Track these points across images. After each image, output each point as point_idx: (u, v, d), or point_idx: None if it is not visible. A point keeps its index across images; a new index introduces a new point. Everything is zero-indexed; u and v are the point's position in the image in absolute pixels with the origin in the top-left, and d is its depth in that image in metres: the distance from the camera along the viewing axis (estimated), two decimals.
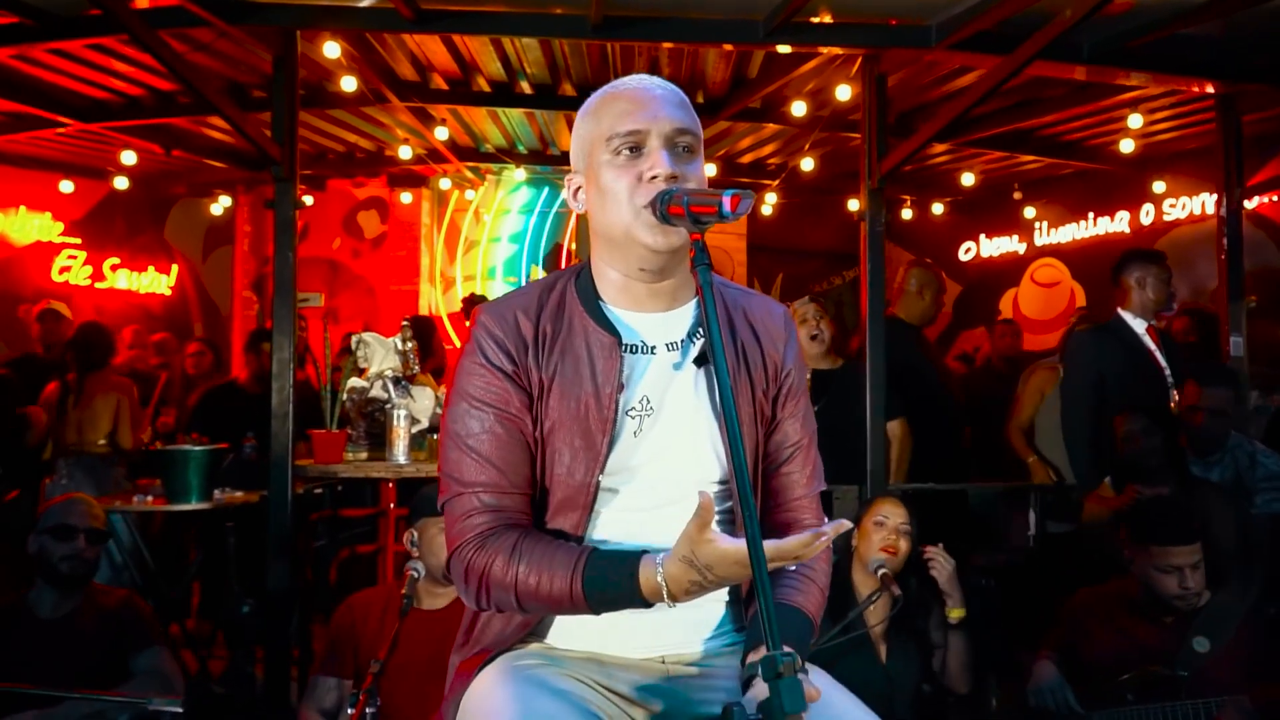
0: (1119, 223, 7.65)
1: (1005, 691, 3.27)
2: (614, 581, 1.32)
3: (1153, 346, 4.18)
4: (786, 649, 1.08)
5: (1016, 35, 3.76)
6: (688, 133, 1.46)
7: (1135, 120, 5.67)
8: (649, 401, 1.48)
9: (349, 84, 5.11)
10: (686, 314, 1.53)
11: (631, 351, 1.50)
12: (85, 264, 8.15)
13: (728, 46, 4.67)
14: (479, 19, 3.99)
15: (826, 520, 1.67)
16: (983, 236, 8.84)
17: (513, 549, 1.38)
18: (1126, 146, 6.20)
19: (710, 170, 7.29)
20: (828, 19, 4.13)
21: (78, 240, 8.08)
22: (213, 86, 5.49)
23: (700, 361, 1.51)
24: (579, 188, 1.54)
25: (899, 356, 4.43)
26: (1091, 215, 7.85)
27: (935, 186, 8.18)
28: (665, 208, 1.38)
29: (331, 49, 4.56)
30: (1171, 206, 7.20)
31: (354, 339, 4.35)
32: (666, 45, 4.78)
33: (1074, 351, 4.30)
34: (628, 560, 1.33)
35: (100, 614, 3.27)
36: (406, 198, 8.42)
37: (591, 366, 1.47)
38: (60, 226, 7.95)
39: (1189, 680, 2.83)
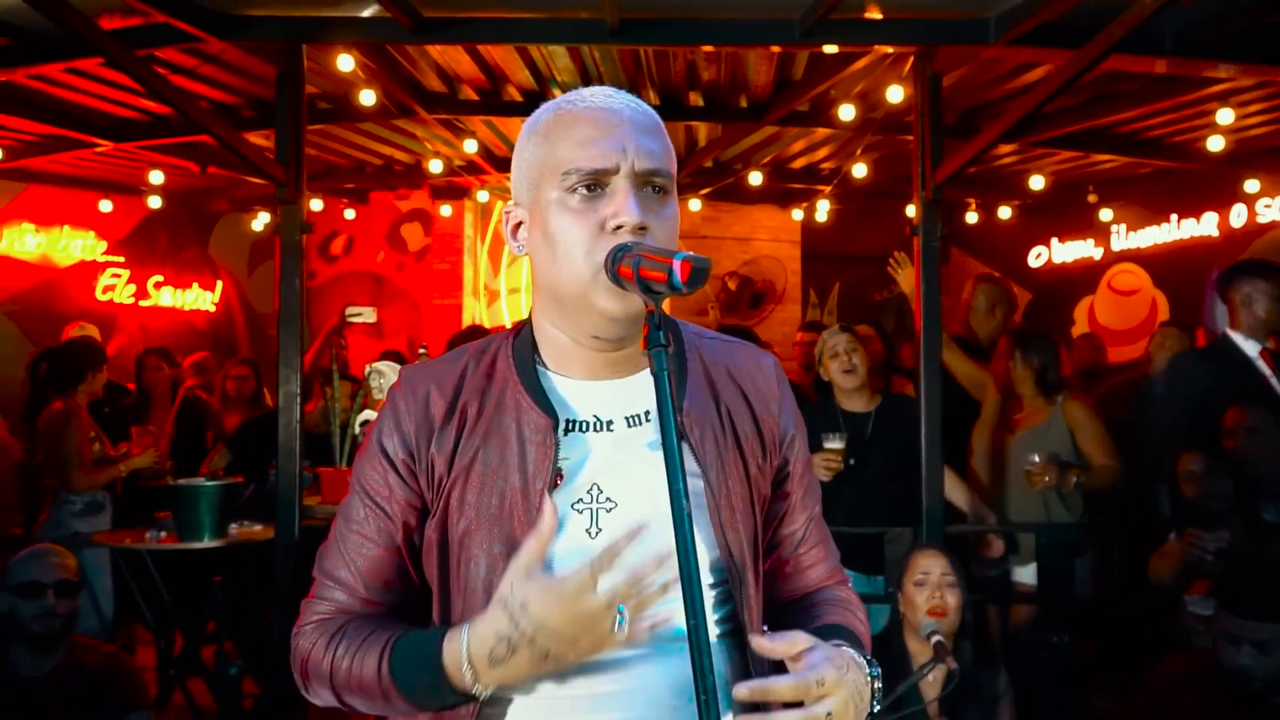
0: (1206, 225, 7.06)
1: None
2: (420, 655, 1.10)
3: (1267, 372, 3.71)
4: None
5: (1085, 26, 3.33)
6: (661, 170, 1.15)
7: (1225, 115, 5.14)
8: (600, 490, 1.17)
9: (369, 98, 4.87)
10: (650, 379, 1.22)
11: (580, 430, 1.19)
12: (129, 282, 8.11)
13: (774, 48, 4.30)
14: (484, 26, 3.67)
15: (850, 580, 1.38)
16: (1055, 241, 8.30)
17: (336, 630, 1.19)
18: (1215, 144, 5.67)
19: (757, 179, 6.92)
20: (876, 15, 3.75)
21: (121, 259, 8.05)
22: (225, 102, 5.36)
23: None
24: (519, 224, 1.23)
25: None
26: (1175, 217, 7.26)
27: (1002, 188, 7.69)
28: (615, 267, 1.08)
29: (345, 62, 4.31)
30: (1267, 207, 6.59)
31: (367, 368, 4.11)
32: (706, 48, 4.43)
33: (1175, 377, 3.84)
34: (434, 641, 1.10)
35: (82, 673, 3.07)
36: (447, 210, 8.21)
37: (521, 454, 1.16)
38: (104, 245, 7.92)
39: None
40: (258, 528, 4.47)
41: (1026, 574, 3.98)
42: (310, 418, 4.54)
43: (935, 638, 2.69)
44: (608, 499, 1.17)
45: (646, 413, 1.21)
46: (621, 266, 1.07)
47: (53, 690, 3.00)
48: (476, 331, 6.10)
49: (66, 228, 7.68)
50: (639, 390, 1.21)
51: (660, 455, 1.16)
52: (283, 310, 3.87)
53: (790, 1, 3.60)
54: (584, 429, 1.19)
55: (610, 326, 1.15)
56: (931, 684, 2.73)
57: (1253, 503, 3.35)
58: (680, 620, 1.04)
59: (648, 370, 1.19)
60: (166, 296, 8.41)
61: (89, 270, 7.85)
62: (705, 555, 1.18)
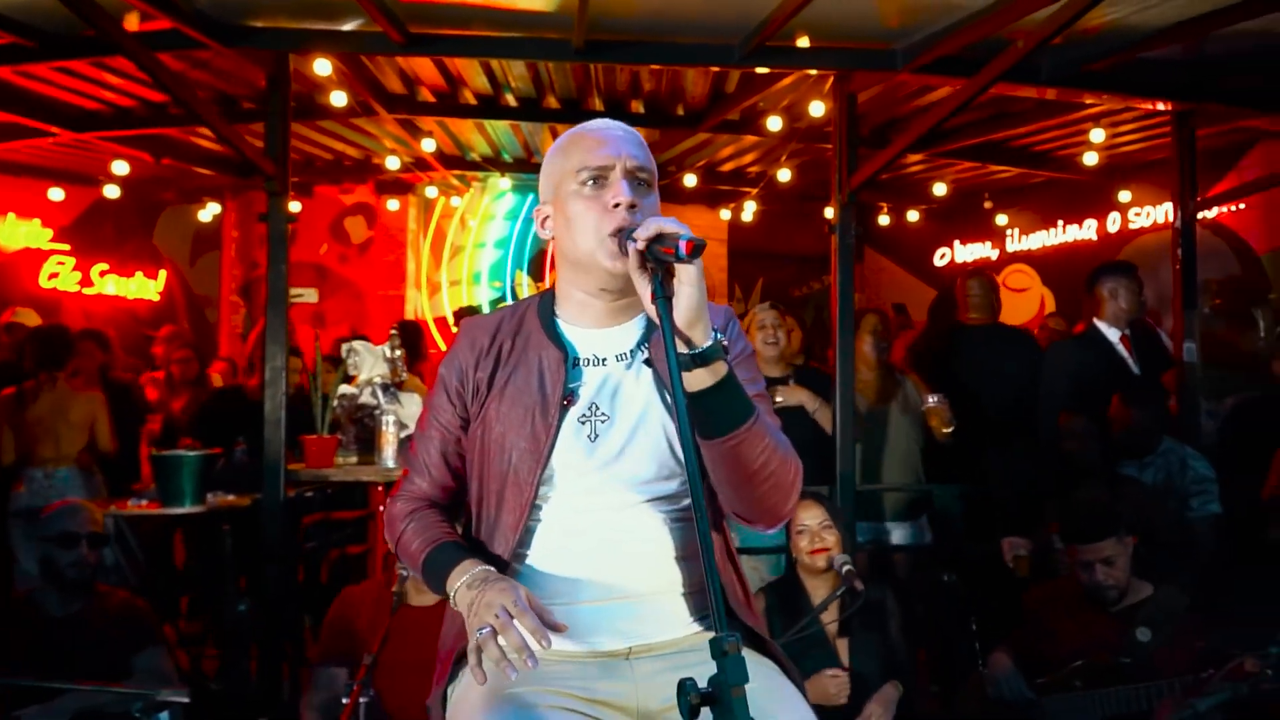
0: (1087, 230, 7.87)
1: (967, 685, 3.45)
2: (437, 565, 1.64)
3: (1126, 355, 4.42)
4: (731, 632, 1.22)
5: (980, 59, 3.94)
6: (645, 169, 1.67)
7: (1097, 134, 5.87)
8: (599, 409, 1.65)
9: (339, 99, 5.25)
10: (635, 327, 1.71)
11: (584, 364, 1.68)
12: (74, 270, 8.25)
13: (715, 69, 4.83)
14: (467, 42, 4.14)
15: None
16: (957, 242, 9.06)
17: (414, 510, 1.75)
18: (1090, 159, 6.42)
19: (691, 180, 7.47)
20: (803, 42, 4.31)
21: (66, 246, 8.18)
22: (204, 99, 5.66)
23: (649, 363, 1.67)
24: (546, 218, 1.73)
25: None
26: (1061, 223, 8.08)
27: (911, 194, 8.38)
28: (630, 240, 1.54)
29: (323, 66, 4.70)
30: (1136, 215, 7.42)
31: (344, 347, 4.50)
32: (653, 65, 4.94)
33: (1053, 359, 4.53)
34: (456, 559, 1.62)
35: (105, 614, 3.41)
36: (393, 204, 8.55)
37: (541, 379, 1.66)
38: (49, 233, 8.05)
39: (1133, 667, 3.01)
40: (231, 497, 4.81)
41: (900, 535, 4.59)
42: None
43: (846, 567, 3.21)
44: (603, 414, 1.65)
45: (630, 351, 1.69)
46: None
47: (78, 628, 3.35)
48: (414, 325, 6.86)
49: (11, 215, 7.81)
50: (627, 336, 1.70)
51: (638, 382, 1.67)
52: (270, 292, 4.25)
53: (730, 28, 4.14)
54: (586, 364, 1.69)
55: (612, 280, 1.63)
56: (827, 611, 3.25)
57: (1114, 462, 4.03)
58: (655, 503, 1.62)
59: (634, 320, 1.72)
60: (111, 285, 8.57)
61: (34, 257, 7.98)
62: (674, 461, 1.64)
